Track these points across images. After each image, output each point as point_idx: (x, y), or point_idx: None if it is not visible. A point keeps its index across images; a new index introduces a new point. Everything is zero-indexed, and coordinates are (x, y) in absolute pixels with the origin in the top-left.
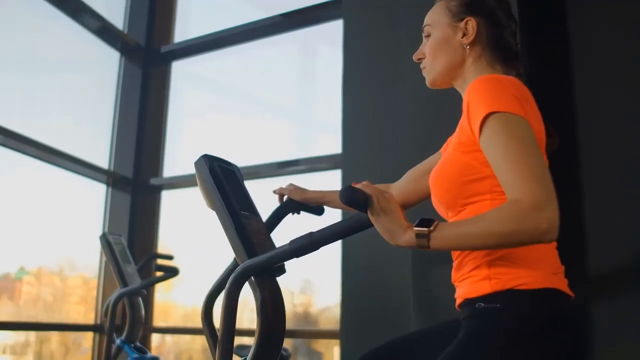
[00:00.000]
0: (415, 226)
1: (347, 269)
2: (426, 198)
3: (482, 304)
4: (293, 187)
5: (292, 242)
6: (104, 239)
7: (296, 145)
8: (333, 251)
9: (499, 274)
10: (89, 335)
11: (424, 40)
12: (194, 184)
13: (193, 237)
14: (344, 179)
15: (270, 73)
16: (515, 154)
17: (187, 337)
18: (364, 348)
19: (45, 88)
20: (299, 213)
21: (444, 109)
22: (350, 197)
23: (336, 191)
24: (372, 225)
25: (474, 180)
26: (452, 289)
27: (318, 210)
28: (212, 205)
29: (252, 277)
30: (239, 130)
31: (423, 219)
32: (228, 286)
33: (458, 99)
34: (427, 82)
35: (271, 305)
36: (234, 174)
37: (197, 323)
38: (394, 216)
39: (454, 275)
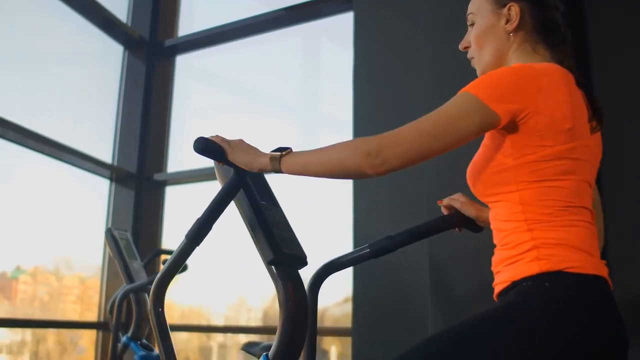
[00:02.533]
0: (271, 151)
1: (359, 265)
2: None
3: (529, 282)
4: (465, 200)
5: (186, 235)
6: (110, 234)
7: (298, 141)
8: (336, 251)
9: (549, 255)
10: (86, 334)
11: (469, 28)
12: (198, 180)
13: None
14: None
15: (275, 67)
16: (430, 116)
17: (184, 336)
18: (377, 347)
19: (47, 82)
20: (461, 230)
21: None
22: (203, 146)
23: None
24: (243, 179)
25: (497, 172)
26: (473, 284)
27: (477, 228)
28: None
29: (273, 270)
30: (243, 124)
31: (281, 147)
32: (152, 290)
33: None
34: (478, 74)
35: (294, 299)
36: None
37: (196, 322)
38: (249, 150)
39: (495, 261)
